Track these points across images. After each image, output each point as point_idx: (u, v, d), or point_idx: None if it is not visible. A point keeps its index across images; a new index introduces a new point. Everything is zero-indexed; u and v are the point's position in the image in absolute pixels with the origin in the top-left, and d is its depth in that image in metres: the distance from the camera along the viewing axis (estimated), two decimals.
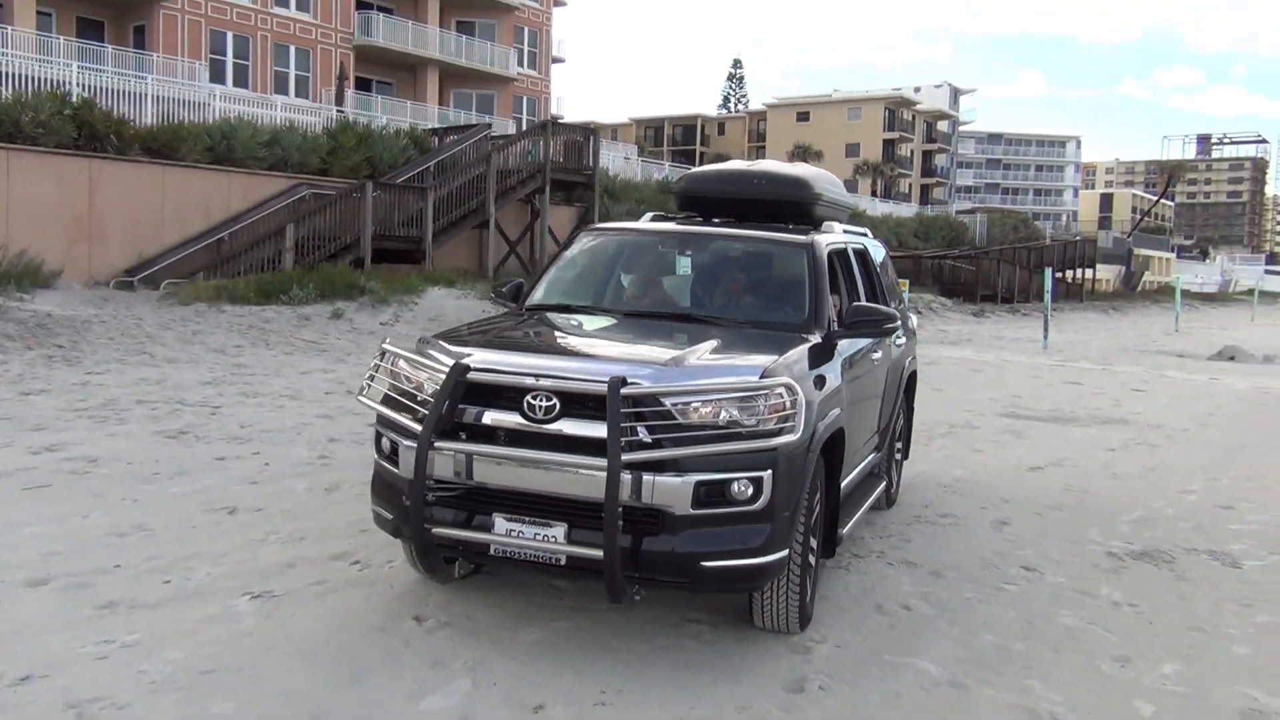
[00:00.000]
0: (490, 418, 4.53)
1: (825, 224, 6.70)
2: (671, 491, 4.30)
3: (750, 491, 4.40)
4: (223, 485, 7.25)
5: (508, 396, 4.52)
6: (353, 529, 6.26)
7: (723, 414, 4.41)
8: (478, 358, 4.62)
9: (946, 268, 39.29)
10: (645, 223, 6.71)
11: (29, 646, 4.43)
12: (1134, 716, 4.32)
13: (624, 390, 4.29)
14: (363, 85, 39.25)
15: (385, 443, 4.89)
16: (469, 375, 4.52)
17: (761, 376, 4.53)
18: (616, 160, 37.94)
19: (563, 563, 4.46)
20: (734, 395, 4.44)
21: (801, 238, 6.12)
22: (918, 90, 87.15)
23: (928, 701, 4.37)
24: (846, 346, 5.74)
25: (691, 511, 4.33)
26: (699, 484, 4.32)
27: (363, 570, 5.64)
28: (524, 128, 36.63)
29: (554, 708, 4.13)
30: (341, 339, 16.08)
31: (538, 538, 4.46)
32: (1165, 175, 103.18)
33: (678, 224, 6.69)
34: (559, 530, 4.44)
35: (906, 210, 55.08)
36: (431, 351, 4.87)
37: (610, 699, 4.22)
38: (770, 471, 4.42)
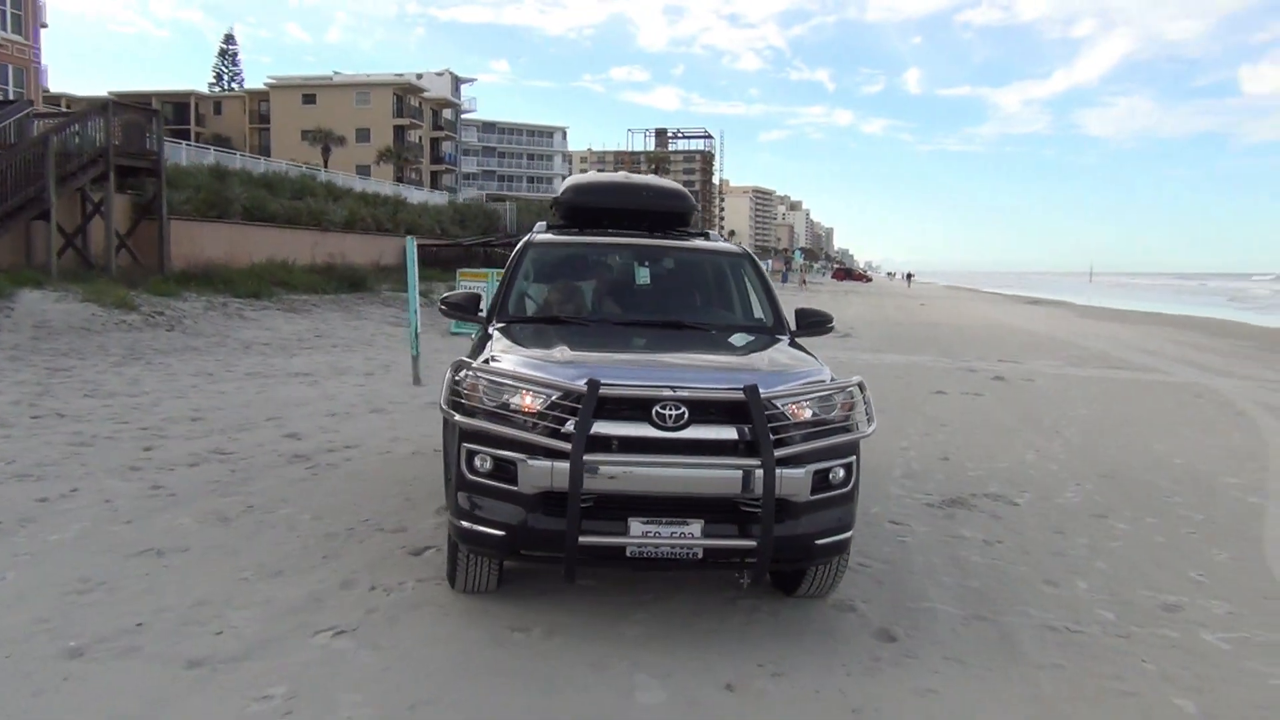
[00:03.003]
0: (618, 429, 4.80)
1: (710, 232, 7.43)
2: (796, 482, 4.89)
3: (843, 476, 5.12)
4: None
5: (634, 407, 4.83)
6: (301, 564, 6.00)
7: (808, 411, 5.08)
8: (602, 374, 4.85)
9: (496, 254, 40.77)
10: (597, 235, 7.01)
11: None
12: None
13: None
14: None
15: (484, 462, 4.94)
16: (601, 390, 4.76)
17: (831, 379, 5.25)
18: None
19: (700, 556, 4.88)
20: (822, 395, 5.12)
21: (734, 248, 6.84)
22: (420, 77, 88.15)
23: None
24: None
25: (810, 498, 4.96)
26: (814, 473, 4.97)
27: (392, 595, 5.54)
28: (9, 98, 32.49)
29: (744, 683, 4.59)
30: None
31: (674, 535, 4.84)
32: (654, 166, 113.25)
33: (624, 236, 7.06)
34: (695, 527, 4.86)
35: (440, 198, 55.96)
36: (524, 371, 4.98)
37: (779, 668, 4.75)
38: (855, 458, 5.18)
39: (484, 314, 6.34)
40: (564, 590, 5.65)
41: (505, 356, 5.17)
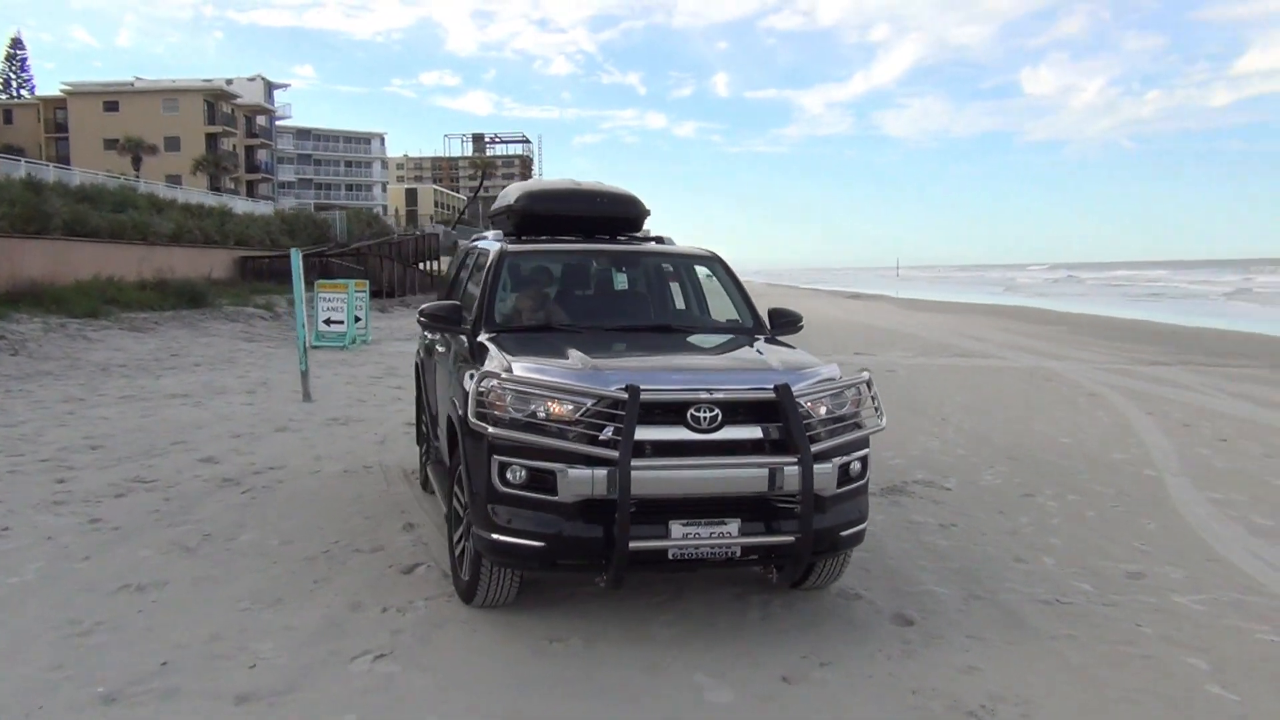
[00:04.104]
0: (655, 434, 4.85)
1: (665, 236, 7.53)
2: (825, 477, 5.05)
3: (859, 469, 5.33)
4: None
5: (668, 411, 4.89)
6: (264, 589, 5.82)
7: (825, 407, 5.26)
8: (642, 379, 4.89)
9: (334, 265, 39.68)
10: (572, 243, 6.98)
11: None
12: None
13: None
14: None
15: (517, 473, 4.90)
16: (642, 396, 4.81)
17: (840, 376, 5.45)
18: None
19: (738, 555, 4.98)
20: (838, 391, 5.30)
21: (704, 251, 6.96)
22: (230, 82, 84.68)
23: None
24: None
25: (836, 491, 5.14)
26: (840, 467, 5.15)
27: (407, 615, 5.43)
28: None
29: (798, 674, 4.72)
30: None
31: (714, 535, 4.92)
32: (479, 170, 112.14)
33: (598, 243, 7.06)
34: (733, 526, 4.96)
35: (266, 208, 53.96)
36: (556, 380, 4.96)
37: (823, 658, 4.91)
38: (868, 451, 5.39)
39: (468, 325, 6.23)
40: (578, 598, 5.67)
41: (520, 366, 5.12)
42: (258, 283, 36.50)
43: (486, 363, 5.46)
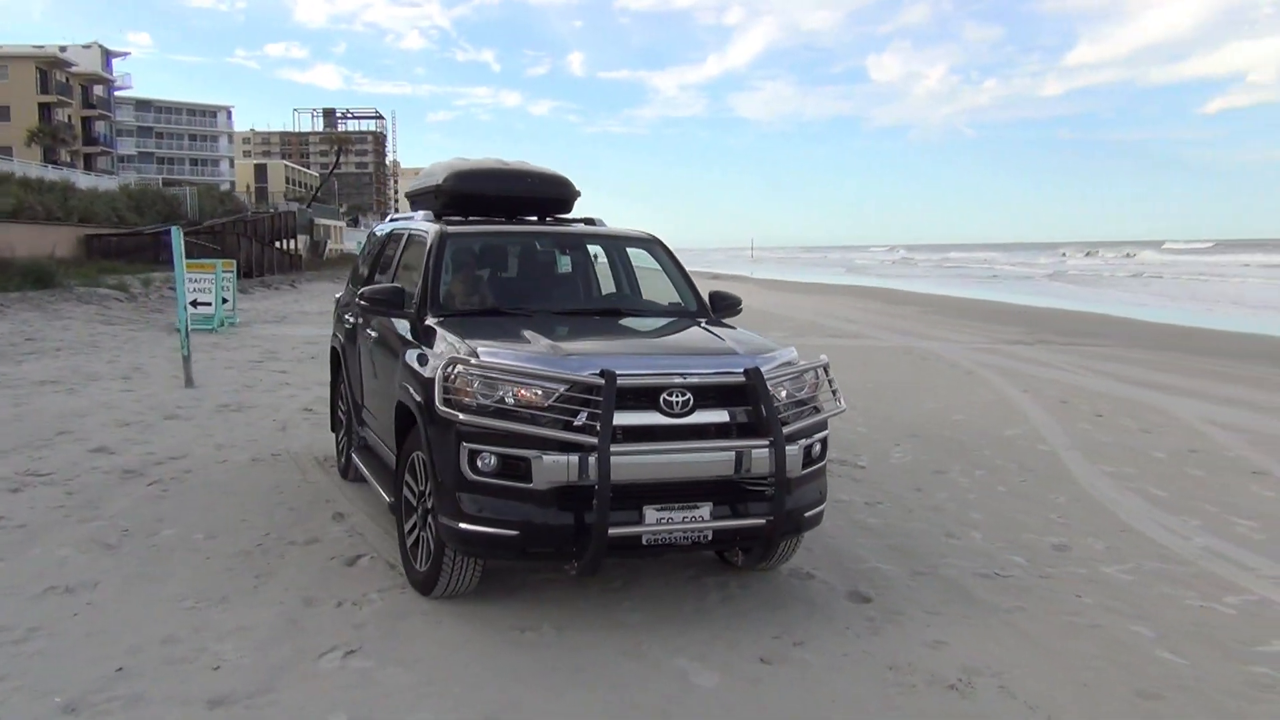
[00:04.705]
0: (629, 419, 4.83)
1: (596, 218, 7.47)
2: (791, 459, 5.11)
3: (819, 450, 5.42)
4: None
5: (641, 396, 4.88)
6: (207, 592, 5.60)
7: (783, 391, 5.33)
8: (615, 364, 4.85)
9: (188, 244, 38.00)
10: (513, 224, 6.83)
11: None
12: None
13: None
14: None
15: (488, 461, 4.81)
16: (619, 381, 4.77)
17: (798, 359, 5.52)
18: None
19: (709, 538, 5.01)
20: (795, 374, 5.37)
21: (644, 234, 6.94)
22: (64, 49, 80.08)
23: None
24: None
25: (801, 473, 5.21)
26: (804, 449, 5.22)
27: (365, 608, 5.28)
28: None
29: (776, 655, 4.78)
30: None
31: (686, 520, 4.93)
32: (336, 147, 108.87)
33: (541, 225, 6.93)
34: (705, 510, 4.98)
35: (110, 183, 51.30)
36: (526, 365, 4.88)
37: (795, 637, 4.99)
38: (827, 433, 5.49)
39: (412, 309, 6.06)
40: (535, 585, 5.62)
41: (487, 351, 5.02)
42: (105, 261, 34.69)
43: (442, 347, 5.35)
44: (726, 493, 5.04)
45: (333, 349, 8.31)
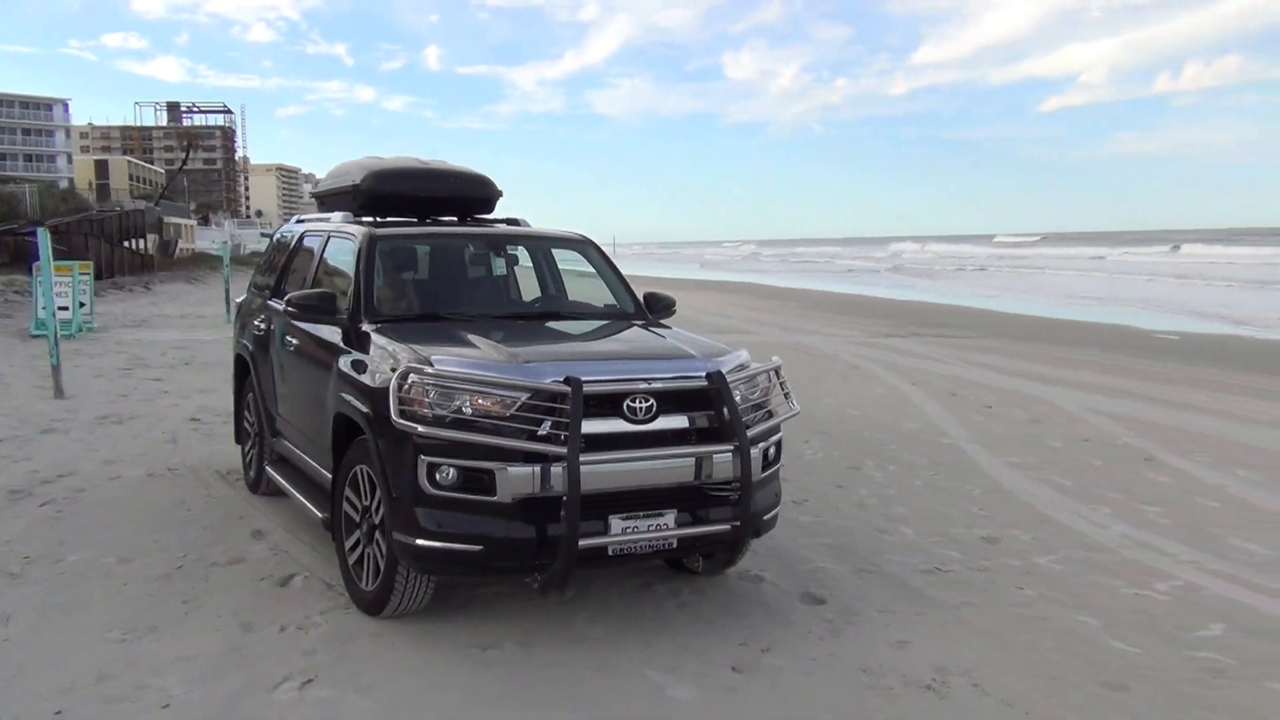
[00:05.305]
0: (594, 426, 4.70)
1: (520, 218, 7.30)
2: (755, 462, 5.07)
3: (774, 454, 5.40)
4: None
5: (605, 403, 4.76)
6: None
7: (737, 394, 5.28)
8: (578, 370, 4.72)
9: (28, 244, 35.91)
10: (445, 227, 6.58)
11: None
12: None
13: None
14: None
15: (448, 474, 4.62)
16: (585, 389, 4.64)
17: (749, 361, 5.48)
18: None
19: (674, 546, 4.92)
20: (749, 377, 5.33)
21: (576, 235, 6.80)
22: None
23: None
24: None
25: (760, 476, 5.17)
26: (763, 452, 5.19)
27: (311, 632, 5.02)
28: None
29: (746, 663, 4.73)
30: None
31: (652, 528, 4.84)
32: (185, 142, 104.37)
33: (472, 226, 6.70)
34: (669, 517, 4.89)
35: None
36: (487, 374, 4.71)
37: (762, 644, 4.94)
38: (781, 435, 5.46)
39: (345, 315, 5.79)
40: (486, 600, 5.45)
41: (442, 359, 4.82)
42: None
43: (382, 355, 5.13)
44: (690, 499, 4.97)
45: (238, 357, 7.90)
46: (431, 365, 4.75)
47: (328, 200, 7.44)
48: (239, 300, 8.43)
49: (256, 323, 7.39)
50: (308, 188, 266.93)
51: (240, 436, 7.99)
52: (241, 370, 7.85)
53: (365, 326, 5.58)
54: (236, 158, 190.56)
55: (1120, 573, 6.10)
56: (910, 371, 15.27)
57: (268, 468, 7.11)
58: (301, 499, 6.21)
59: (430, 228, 6.62)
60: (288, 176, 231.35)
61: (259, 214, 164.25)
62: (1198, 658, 4.86)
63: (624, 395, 4.79)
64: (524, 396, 4.65)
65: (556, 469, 4.58)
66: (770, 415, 5.36)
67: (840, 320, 25.76)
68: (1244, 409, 12.01)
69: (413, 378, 4.68)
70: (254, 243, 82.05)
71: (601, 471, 4.67)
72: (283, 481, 6.66)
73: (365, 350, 5.37)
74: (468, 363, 4.81)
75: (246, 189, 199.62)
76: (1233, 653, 4.90)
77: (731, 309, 30.41)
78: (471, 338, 5.30)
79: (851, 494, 7.93)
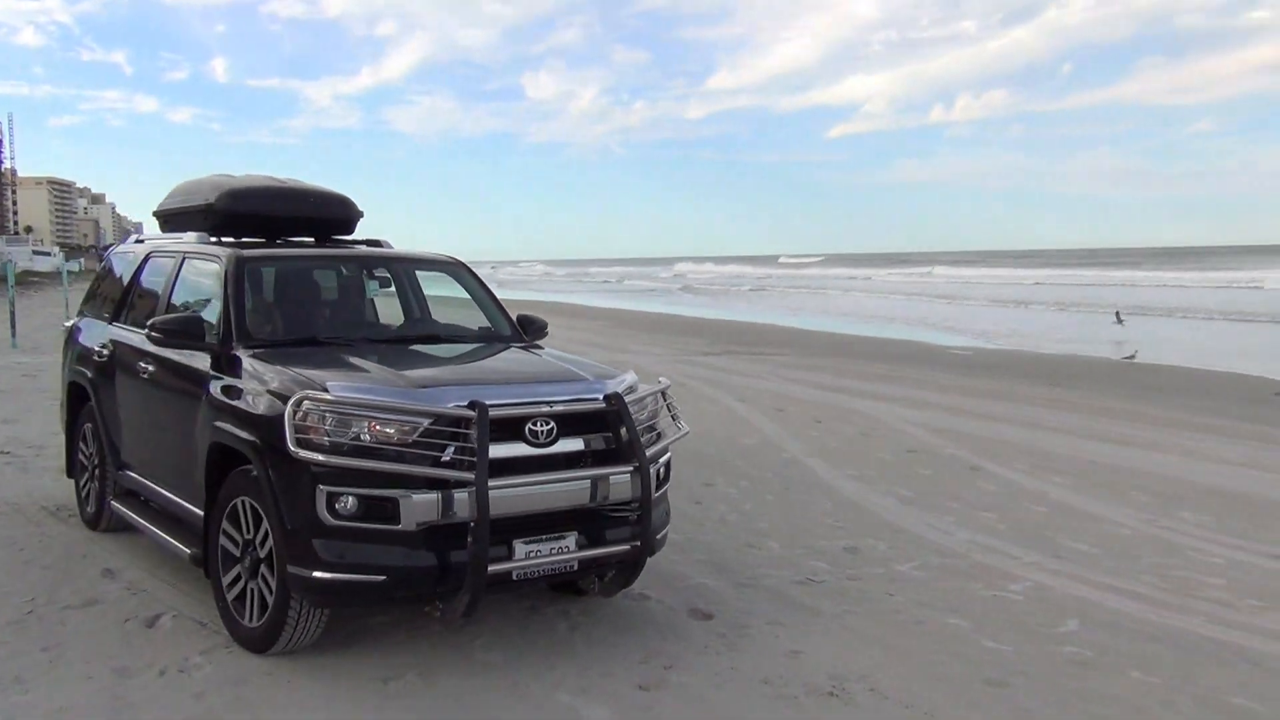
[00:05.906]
0: (497, 451, 4.68)
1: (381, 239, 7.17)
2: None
3: (664, 474, 5.50)
4: None
5: (506, 427, 4.75)
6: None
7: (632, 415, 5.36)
8: (480, 394, 4.69)
9: None
10: (314, 249, 6.35)
11: None
12: None
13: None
14: None
15: (347, 503, 4.51)
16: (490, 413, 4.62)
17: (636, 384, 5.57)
18: None
19: (575, 568, 4.95)
20: (640, 398, 5.41)
21: (448, 257, 6.73)
22: None
23: None
24: None
25: (655, 495, 5.26)
26: (658, 471, 5.28)
27: (195, 675, 4.76)
28: None
29: (651, 680, 4.79)
30: None
31: (554, 551, 4.86)
32: None
33: (344, 248, 6.50)
34: (571, 540, 4.92)
35: None
36: (386, 400, 4.62)
37: (663, 661, 5.02)
38: (670, 456, 5.57)
39: (215, 340, 5.54)
40: (372, 631, 5.31)
41: (338, 385, 4.70)
42: None
43: (257, 384, 4.97)
44: (589, 521, 5.01)
45: (73, 384, 7.39)
46: (328, 391, 4.62)
47: (173, 219, 7.09)
48: (68, 324, 7.90)
49: (97, 347, 6.95)
50: (83, 203, 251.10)
51: (74, 470, 7.48)
52: (77, 399, 7.35)
53: (238, 352, 5.36)
54: (2, 169, 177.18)
55: (975, 576, 6.49)
56: (735, 388, 15.70)
57: (112, 502, 6.70)
58: (160, 534, 5.89)
59: (302, 249, 6.46)
60: (61, 191, 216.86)
61: (29, 230, 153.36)
62: (1063, 652, 5.23)
63: (526, 419, 4.79)
64: (426, 422, 4.59)
65: (461, 495, 4.55)
66: (660, 436, 5.46)
67: (655, 339, 26.18)
68: (1044, 419, 12.94)
69: (307, 405, 4.54)
70: (25, 260, 76.38)
71: (506, 496, 4.65)
72: (134, 516, 6.29)
73: (238, 377, 5.17)
74: (365, 388, 4.71)
75: (15, 203, 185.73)
76: (1093, 646, 5.30)
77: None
78: (358, 362, 5.21)
79: (711, 510, 8.12)
